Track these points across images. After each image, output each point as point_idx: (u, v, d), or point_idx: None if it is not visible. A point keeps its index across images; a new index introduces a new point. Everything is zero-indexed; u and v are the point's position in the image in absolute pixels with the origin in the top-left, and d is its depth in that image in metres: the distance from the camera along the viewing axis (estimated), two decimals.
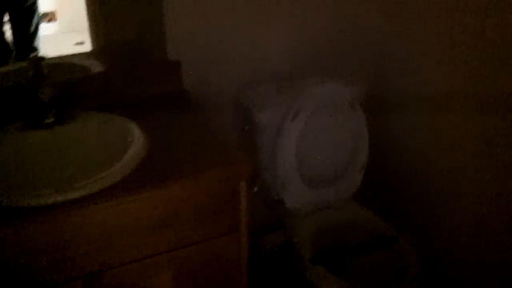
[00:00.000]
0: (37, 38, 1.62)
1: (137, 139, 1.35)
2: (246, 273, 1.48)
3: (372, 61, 1.99)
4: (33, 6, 1.58)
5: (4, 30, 1.57)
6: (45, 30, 1.62)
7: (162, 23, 1.64)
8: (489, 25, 1.55)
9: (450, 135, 1.76)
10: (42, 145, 1.38)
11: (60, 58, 1.63)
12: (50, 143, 1.39)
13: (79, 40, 1.67)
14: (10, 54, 1.61)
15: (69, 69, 1.65)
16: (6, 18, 1.57)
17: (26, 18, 1.60)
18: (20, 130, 1.40)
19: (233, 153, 1.35)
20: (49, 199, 1.15)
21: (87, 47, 1.66)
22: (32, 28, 1.60)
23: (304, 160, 1.73)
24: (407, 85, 1.90)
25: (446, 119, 1.76)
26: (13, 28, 1.58)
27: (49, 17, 1.65)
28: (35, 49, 1.63)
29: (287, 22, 1.82)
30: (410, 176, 1.94)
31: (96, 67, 1.68)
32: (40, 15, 1.61)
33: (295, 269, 1.74)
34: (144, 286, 1.34)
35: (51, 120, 1.40)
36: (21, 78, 1.52)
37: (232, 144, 1.40)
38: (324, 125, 1.74)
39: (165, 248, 1.32)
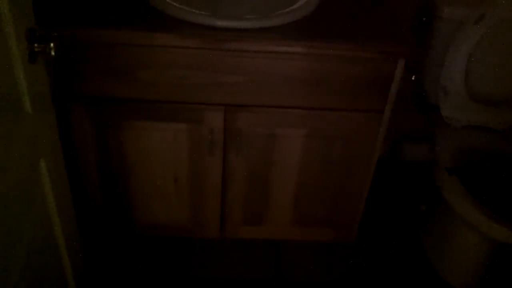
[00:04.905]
0: None
1: None
2: (375, 161, 1.46)
3: None
4: None
5: None
6: None
7: None
8: None
9: None
10: None
11: None
12: None
13: None
14: None
15: None
16: None
17: None
18: None
19: (401, 31, 1.29)
20: (210, 21, 1.23)
21: None
22: None
23: (475, 70, 1.58)
24: None
25: None
26: None
27: None
28: None
29: None
30: None
31: None
32: None
33: (430, 177, 1.65)
34: (276, 135, 1.40)
35: None
36: None
37: (403, 26, 1.32)
38: (508, 39, 1.55)
39: (307, 105, 1.34)
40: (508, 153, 1.62)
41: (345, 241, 1.67)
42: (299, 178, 1.49)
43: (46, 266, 1.07)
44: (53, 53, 0.93)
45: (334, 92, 1.32)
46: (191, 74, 1.27)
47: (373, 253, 1.73)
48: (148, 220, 1.57)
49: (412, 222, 1.85)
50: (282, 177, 1.49)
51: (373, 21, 1.34)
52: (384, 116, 1.36)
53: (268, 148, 1.42)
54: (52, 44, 0.92)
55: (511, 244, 1.39)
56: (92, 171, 1.45)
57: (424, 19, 1.60)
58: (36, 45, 0.92)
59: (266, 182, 1.50)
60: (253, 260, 1.67)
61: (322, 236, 1.65)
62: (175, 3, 1.26)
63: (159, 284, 1.57)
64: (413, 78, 1.37)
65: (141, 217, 1.56)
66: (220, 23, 1.22)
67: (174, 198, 1.51)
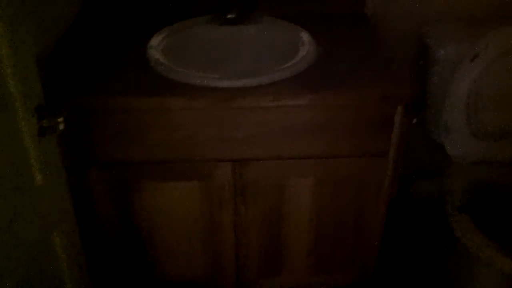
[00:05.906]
0: None
1: (307, 47, 1.39)
2: (386, 202, 1.46)
3: None
4: None
5: None
6: None
7: None
8: None
9: None
10: (222, 38, 1.51)
11: None
12: (229, 38, 1.51)
13: None
14: None
15: None
16: None
17: None
18: (206, 23, 1.53)
19: (397, 76, 1.32)
20: (215, 83, 1.27)
21: None
22: None
23: (476, 108, 1.60)
24: None
25: None
26: None
27: None
28: None
29: None
30: None
31: None
32: None
33: (442, 216, 1.64)
34: (285, 185, 1.42)
35: (233, 16, 1.49)
36: None
37: (400, 71, 1.35)
38: (506, 74, 1.57)
39: (313, 154, 1.37)
40: None
41: (364, 282, 1.66)
42: (312, 225, 1.49)
43: None
44: (61, 127, 0.97)
45: (338, 139, 1.34)
46: (199, 132, 1.31)
47: None
48: (165, 275, 1.58)
49: (430, 260, 1.84)
50: (295, 226, 1.49)
51: (371, 67, 1.37)
52: (389, 159, 1.38)
53: (279, 199, 1.44)
54: (60, 119, 0.96)
55: None
56: (108, 230, 1.47)
57: (421, 62, 1.63)
58: (45, 120, 0.96)
59: (279, 232, 1.50)
60: None
61: (340, 281, 1.65)
62: (178, 68, 1.31)
63: None
64: (413, 122, 1.40)
65: (158, 273, 1.57)
66: (225, 83, 1.26)
67: (189, 253, 1.53)
